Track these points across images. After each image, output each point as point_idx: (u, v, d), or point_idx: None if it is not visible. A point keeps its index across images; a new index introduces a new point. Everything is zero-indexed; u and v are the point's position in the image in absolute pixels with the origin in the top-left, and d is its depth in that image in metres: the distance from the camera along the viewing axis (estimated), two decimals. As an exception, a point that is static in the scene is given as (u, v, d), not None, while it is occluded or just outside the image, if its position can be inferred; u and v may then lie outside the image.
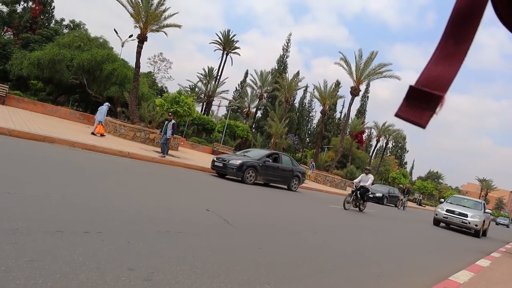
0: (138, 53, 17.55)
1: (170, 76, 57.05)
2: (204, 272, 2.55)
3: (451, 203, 13.45)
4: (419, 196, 43.96)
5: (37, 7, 31.82)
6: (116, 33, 29.21)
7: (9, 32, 31.35)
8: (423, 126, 0.35)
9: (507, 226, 43.39)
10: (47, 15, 33.77)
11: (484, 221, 12.11)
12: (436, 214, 12.80)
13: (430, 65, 0.35)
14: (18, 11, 31.67)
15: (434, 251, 6.74)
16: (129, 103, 18.67)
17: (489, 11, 0.36)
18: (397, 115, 0.36)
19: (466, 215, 11.85)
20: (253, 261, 3.15)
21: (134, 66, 18.70)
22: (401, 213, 17.40)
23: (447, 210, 12.33)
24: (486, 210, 12.79)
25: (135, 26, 17.57)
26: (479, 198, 74.53)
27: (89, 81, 22.32)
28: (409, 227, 11.18)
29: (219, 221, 4.43)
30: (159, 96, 26.22)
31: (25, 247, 2.19)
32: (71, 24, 33.61)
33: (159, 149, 14.26)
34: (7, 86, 16.76)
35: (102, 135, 13.20)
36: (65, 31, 30.78)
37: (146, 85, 27.09)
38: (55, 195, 3.77)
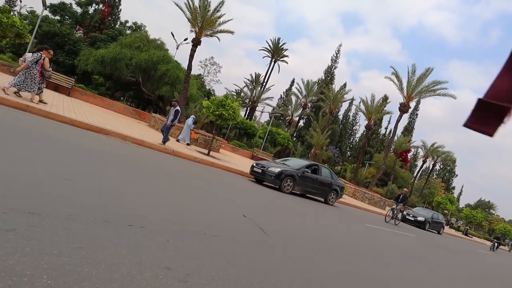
0: (191, 56, 18.36)
1: (219, 80, 58.97)
2: (238, 281, 2.51)
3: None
4: (463, 224, 40.21)
5: (106, 9, 34.86)
6: (173, 36, 30.97)
7: (80, 31, 34.67)
8: (491, 135, 0.38)
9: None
10: (114, 16, 36.82)
11: None
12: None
13: (498, 79, 0.36)
14: (89, 12, 34.94)
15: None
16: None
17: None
18: (465, 125, 0.39)
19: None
20: (287, 275, 3.05)
21: (186, 68, 19.60)
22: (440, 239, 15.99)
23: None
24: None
25: (191, 30, 18.45)
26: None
27: (144, 80, 23.83)
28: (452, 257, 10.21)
29: (254, 229, 4.40)
30: (206, 98, 27.16)
31: (76, 233, 2.33)
32: (133, 26, 36.28)
33: (201, 149, 14.70)
34: (73, 79, 18.47)
35: (188, 144, 14.86)
36: (128, 32, 33.27)
37: (195, 87, 28.26)
38: (106, 185, 4.01)
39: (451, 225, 38.82)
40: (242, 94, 42.14)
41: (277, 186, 10.54)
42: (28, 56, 9.18)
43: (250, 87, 42.40)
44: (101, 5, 34.99)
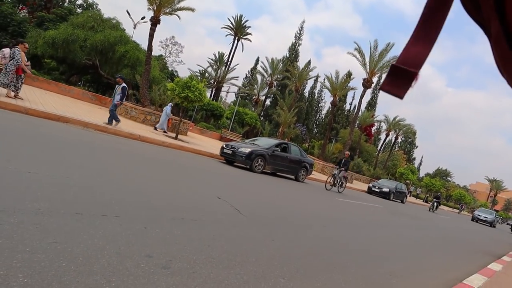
0: (151, 36, 17.45)
1: (181, 60, 56.79)
2: (220, 263, 2.56)
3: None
4: (422, 192, 43.47)
5: (51, -14, 31.57)
6: (129, 14, 29.06)
7: (24, 10, 31.32)
8: (401, 97, 0.43)
9: (492, 224, 27.71)
10: (61, -7, 33.50)
11: None
12: None
13: (408, 46, 0.41)
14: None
15: (443, 250, 6.72)
16: (140, 86, 18.69)
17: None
18: (381, 88, 0.42)
19: None
20: (267, 253, 3.16)
21: (146, 49, 18.63)
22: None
23: None
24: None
25: (149, 8, 17.41)
26: (487, 199, 70.87)
27: (101, 62, 22.35)
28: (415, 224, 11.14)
29: (230, 210, 4.45)
30: (170, 80, 26.19)
31: (48, 228, 2.22)
32: (84, 4, 33.45)
33: (169, 133, 14.33)
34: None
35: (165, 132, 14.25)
36: (79, 10, 30.64)
37: (157, 69, 27.07)
38: (73, 176, 3.82)
39: (411, 194, 41.73)
40: (206, 74, 41.05)
41: (248, 166, 10.65)
42: (6, 51, 9.07)
43: (214, 67, 41.34)
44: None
